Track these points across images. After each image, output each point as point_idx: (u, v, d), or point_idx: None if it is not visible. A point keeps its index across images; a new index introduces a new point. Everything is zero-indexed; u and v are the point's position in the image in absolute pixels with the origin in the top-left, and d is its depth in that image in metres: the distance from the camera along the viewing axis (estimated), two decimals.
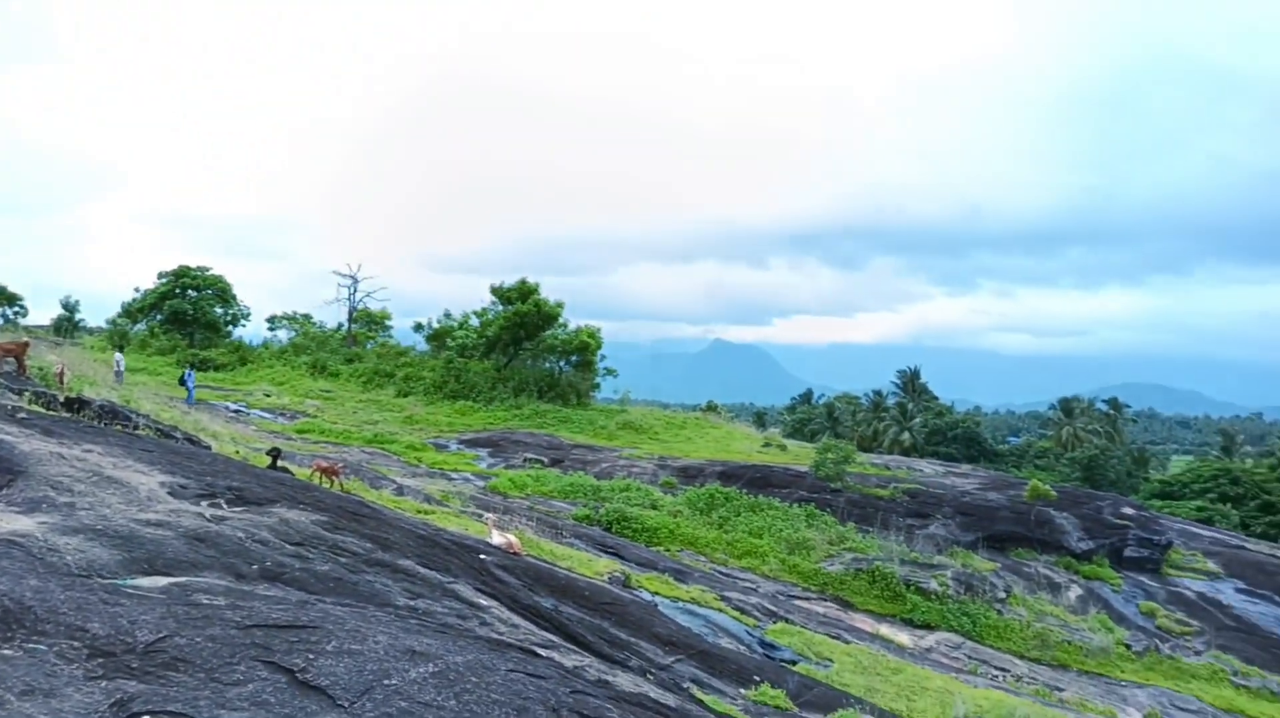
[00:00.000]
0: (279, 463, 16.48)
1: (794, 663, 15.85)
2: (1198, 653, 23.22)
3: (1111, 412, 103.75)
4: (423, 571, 10.03)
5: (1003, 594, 22.90)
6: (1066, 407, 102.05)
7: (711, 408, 70.38)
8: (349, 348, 55.56)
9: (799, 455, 38.57)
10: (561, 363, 50.34)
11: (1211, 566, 30.75)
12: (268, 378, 48.77)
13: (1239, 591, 28.96)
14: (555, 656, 8.23)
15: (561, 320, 49.95)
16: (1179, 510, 60.89)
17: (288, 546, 9.11)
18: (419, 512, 17.47)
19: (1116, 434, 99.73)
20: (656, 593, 17.83)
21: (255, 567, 8.02)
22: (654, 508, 27.11)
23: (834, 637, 18.86)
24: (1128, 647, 22.20)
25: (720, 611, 18.02)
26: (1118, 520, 30.22)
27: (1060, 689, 19.21)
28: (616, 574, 17.53)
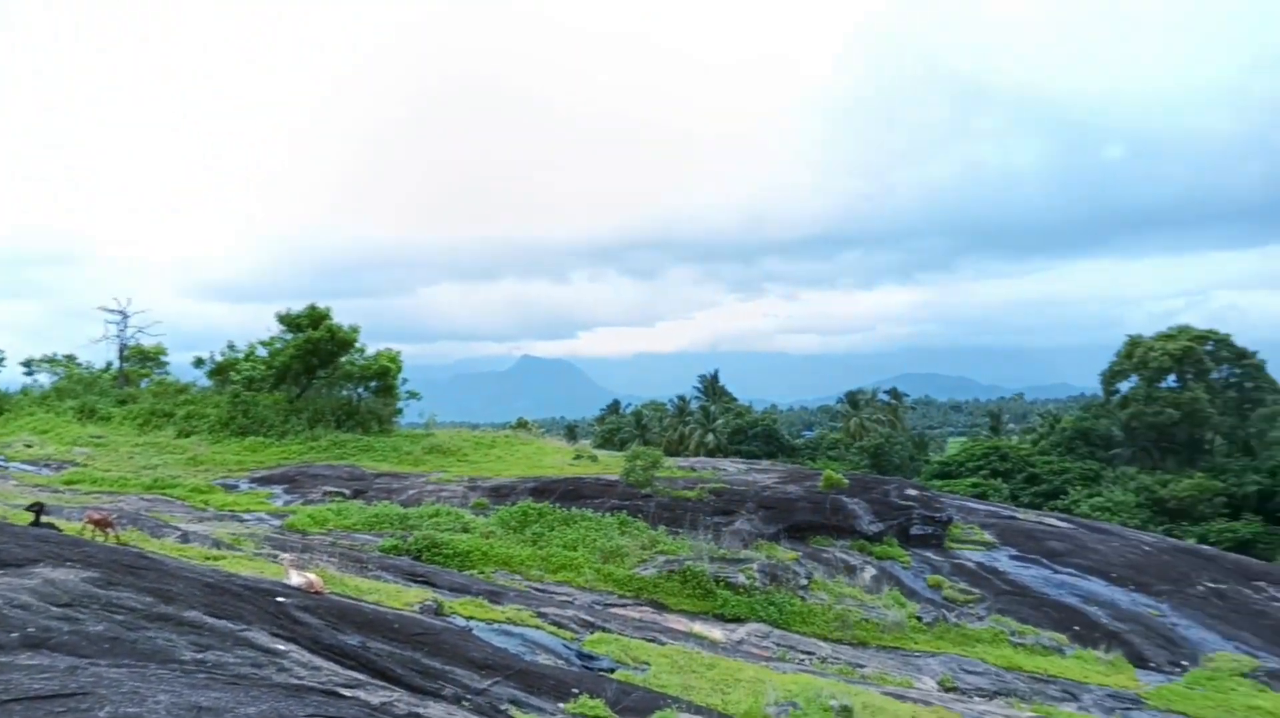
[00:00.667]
0: (42, 519, 15.00)
1: (612, 671, 15.98)
2: (980, 618, 25.21)
3: (893, 401, 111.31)
4: (211, 620, 9.41)
5: (805, 581, 24.03)
6: (853, 400, 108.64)
7: (522, 425, 69.94)
8: (121, 388, 51.32)
9: (609, 465, 38.98)
10: (360, 390, 48.60)
11: (988, 537, 33.50)
12: (28, 427, 44.31)
13: (1012, 558, 31.72)
14: (361, 694, 7.92)
15: (358, 345, 48.22)
16: (956, 488, 66.05)
17: (54, 608, 8.31)
18: (207, 558, 16.38)
19: (898, 422, 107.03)
20: (471, 617, 17.52)
21: (15, 634, 7.28)
22: (465, 531, 26.64)
23: (650, 640, 19.17)
24: (919, 619, 23.80)
25: (537, 628, 17.92)
26: (903, 502, 32.40)
27: (862, 666, 20.35)
28: (428, 603, 17.09)
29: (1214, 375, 76.13)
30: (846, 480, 33.85)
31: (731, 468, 39.48)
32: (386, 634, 12.31)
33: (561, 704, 12.79)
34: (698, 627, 21.59)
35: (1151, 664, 24.43)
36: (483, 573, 23.66)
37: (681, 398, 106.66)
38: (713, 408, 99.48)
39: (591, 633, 18.49)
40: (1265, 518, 63.05)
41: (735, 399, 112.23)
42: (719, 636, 21.16)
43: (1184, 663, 24.47)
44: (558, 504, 29.37)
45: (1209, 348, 75.59)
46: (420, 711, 8.20)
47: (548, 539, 26.56)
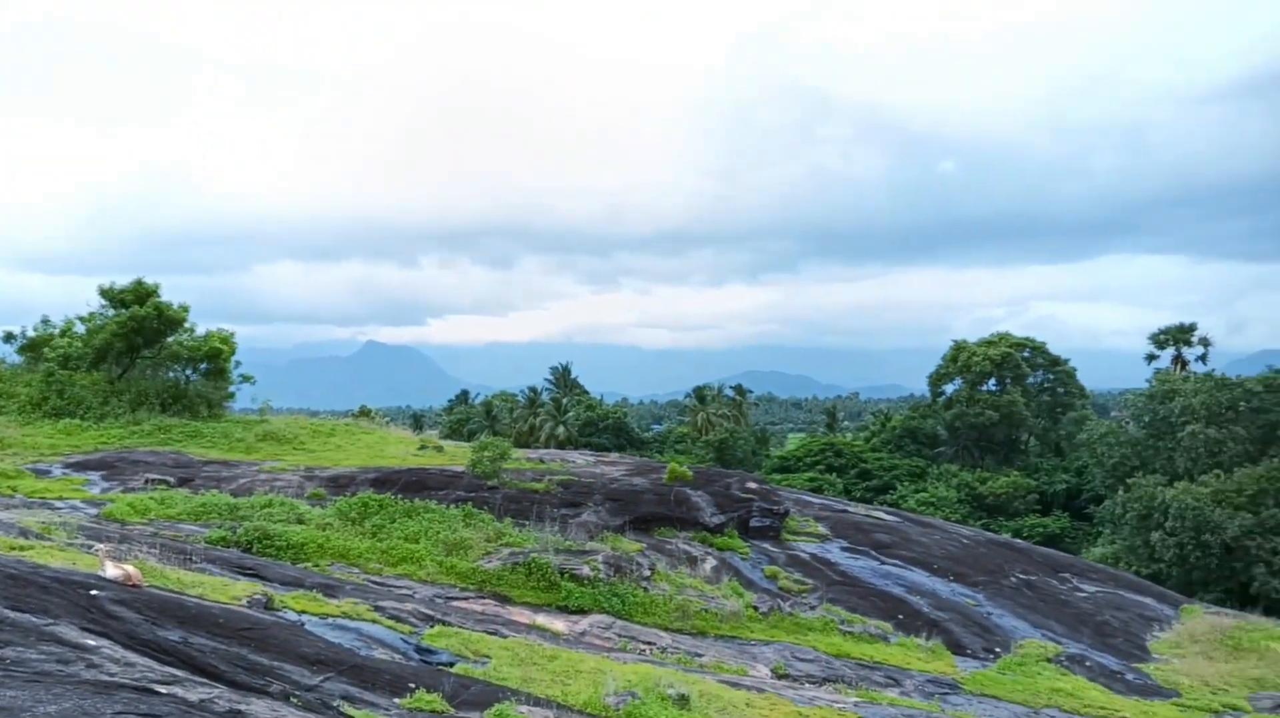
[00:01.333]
0: None
1: (451, 665, 15.74)
2: (812, 608, 26.18)
3: (738, 398, 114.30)
4: (13, 615, 8.71)
5: (648, 573, 24.35)
6: (700, 395, 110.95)
7: (364, 413, 67.89)
8: None
9: (456, 456, 38.36)
10: (189, 372, 46.02)
11: (821, 529, 34.83)
12: None
13: (843, 549, 33.10)
14: (179, 691, 7.49)
15: (188, 324, 45.65)
16: (794, 482, 68.47)
17: None
18: (12, 548, 15.14)
19: (742, 417, 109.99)
20: (304, 612, 16.88)
21: None
22: (300, 522, 25.63)
23: (492, 633, 18.98)
24: (756, 609, 24.52)
25: (374, 622, 17.44)
26: (744, 495, 33.28)
27: (700, 655, 20.80)
28: (257, 597, 16.35)
29: (1030, 380, 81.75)
30: (691, 473, 34.48)
31: (580, 460, 39.57)
32: (210, 629, 11.70)
33: (397, 700, 12.50)
34: (541, 619, 21.54)
35: (968, 651, 25.99)
36: (318, 566, 22.84)
37: (533, 389, 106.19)
38: (564, 400, 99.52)
39: (432, 627, 18.14)
40: (1072, 514, 68.26)
41: (587, 392, 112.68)
42: (562, 628, 21.17)
43: (997, 650, 26.16)
44: (400, 496, 28.68)
45: (1026, 354, 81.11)
46: (242, 708, 7.83)
47: (388, 531, 25.90)
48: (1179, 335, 76.99)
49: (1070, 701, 22.19)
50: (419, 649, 16.43)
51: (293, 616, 16.26)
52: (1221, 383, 60.25)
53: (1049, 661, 25.19)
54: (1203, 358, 76.33)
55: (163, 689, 7.41)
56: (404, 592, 21.68)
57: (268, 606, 16.03)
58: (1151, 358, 77.52)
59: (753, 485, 35.30)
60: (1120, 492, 56.35)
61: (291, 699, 10.22)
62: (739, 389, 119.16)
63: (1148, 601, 35.11)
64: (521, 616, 21.76)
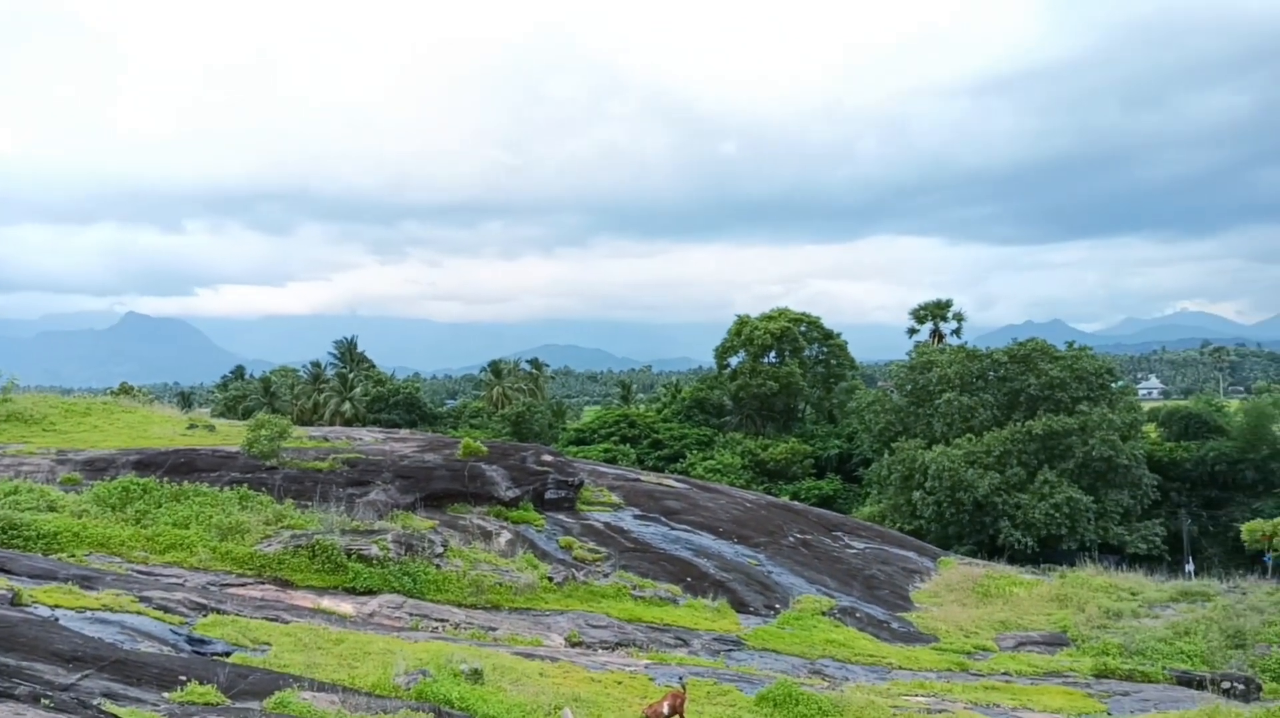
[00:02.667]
0: None
1: (227, 654, 14.91)
2: (606, 575, 26.69)
3: (534, 371, 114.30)
4: None
5: (440, 549, 23.97)
6: (495, 369, 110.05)
7: (125, 391, 62.77)
8: None
9: (231, 435, 36.17)
10: None
11: (615, 498, 35.49)
12: None
13: (635, 517, 33.90)
14: None
15: None
16: (589, 453, 69.38)
17: None
18: None
19: (539, 391, 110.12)
20: (57, 606, 15.48)
21: None
22: (52, 510, 23.41)
23: (273, 619, 18.11)
24: (551, 579, 24.70)
25: (139, 613, 16.24)
26: (539, 468, 33.37)
27: (494, 629, 20.73)
28: (2, 593, 14.84)
29: (806, 353, 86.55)
30: (485, 448, 34.17)
31: (368, 437, 38.32)
32: None
33: (166, 694, 11.70)
34: (326, 602, 20.76)
35: (751, 609, 27.34)
36: (74, 556, 20.97)
37: (316, 364, 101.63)
38: (351, 375, 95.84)
39: (205, 616, 17.11)
40: (844, 477, 73.04)
41: (375, 366, 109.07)
42: (349, 610, 20.50)
43: (777, 606, 27.67)
44: (167, 479, 26.75)
45: (803, 329, 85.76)
46: None
47: (154, 517, 24.11)
48: (936, 311, 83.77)
49: (843, 650, 23.82)
50: (191, 640, 15.45)
51: (45, 611, 14.87)
52: (972, 354, 66.11)
53: (824, 614, 26.91)
54: (956, 332, 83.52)
55: None
56: (173, 581, 20.27)
57: (14, 601, 14.59)
58: (912, 331, 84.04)
59: (548, 458, 35.44)
60: (885, 455, 60.91)
61: (43, 701, 9.34)
62: (535, 363, 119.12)
63: (910, 554, 38.20)
64: (305, 600, 20.88)
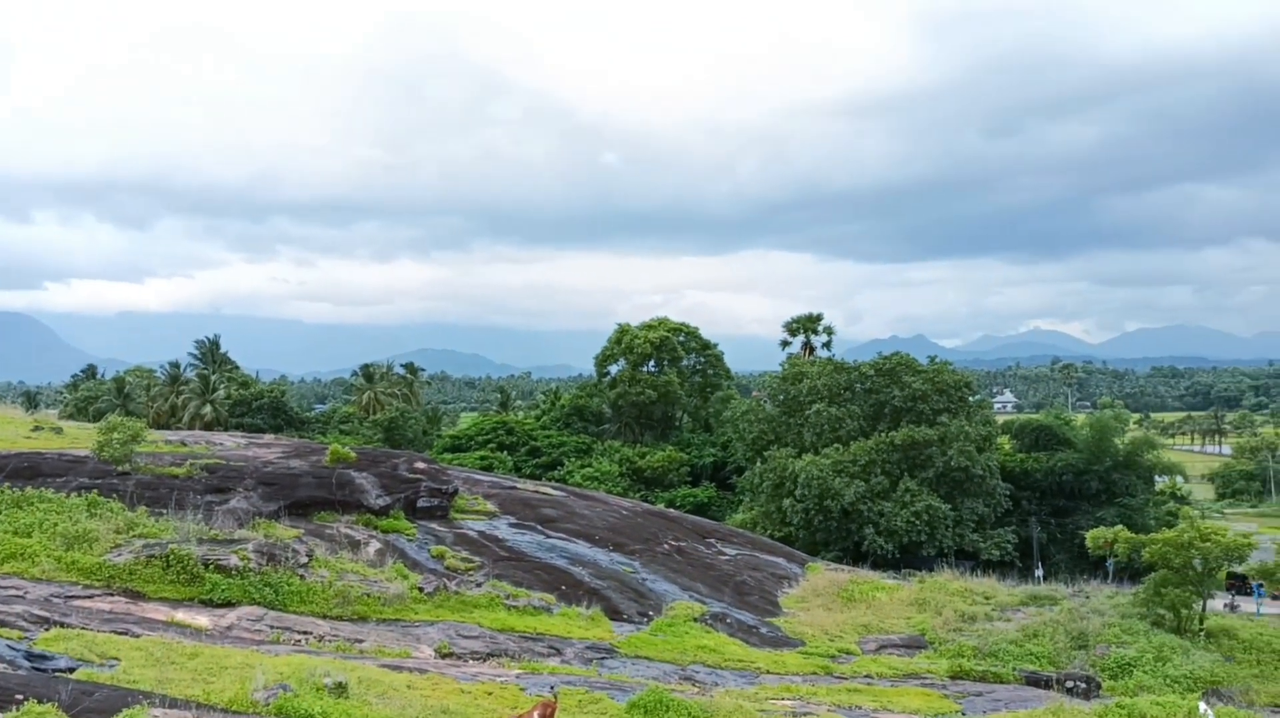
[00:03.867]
0: None
1: (71, 671, 14.04)
2: (479, 585, 26.32)
3: (409, 376, 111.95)
4: None
5: (305, 559, 23.18)
6: (367, 373, 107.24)
7: None
8: None
9: (80, 439, 34.13)
10: None
11: (490, 506, 35.09)
12: None
13: (511, 525, 33.59)
14: None
15: None
16: (465, 460, 68.38)
17: None
18: None
19: (413, 396, 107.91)
20: None
21: None
22: None
23: (123, 633, 17.17)
24: (421, 590, 24.21)
25: None
26: (412, 475, 32.69)
27: (361, 641, 20.17)
28: None
29: (684, 363, 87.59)
30: (355, 455, 33.27)
31: (230, 442, 36.77)
32: None
33: (1, 714, 10.94)
34: (181, 615, 19.79)
35: (625, 616, 27.45)
36: None
37: (175, 364, 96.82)
38: (213, 377, 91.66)
39: (47, 630, 16.08)
40: (718, 484, 74.20)
41: (239, 368, 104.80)
42: (206, 623, 19.59)
43: (651, 613, 27.87)
44: (7, 484, 25.05)
45: (682, 339, 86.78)
46: None
47: None
48: (808, 324, 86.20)
49: (714, 656, 24.18)
50: (30, 656, 14.48)
51: None
52: (841, 367, 68.27)
53: (696, 620, 27.27)
54: (827, 345, 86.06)
55: None
56: (12, 593, 18.96)
57: None
58: (785, 344, 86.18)
59: (421, 465, 34.75)
60: (758, 463, 62.21)
61: None
62: (410, 367, 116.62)
63: (779, 560, 39.11)
64: (158, 612, 19.85)
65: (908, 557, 53.14)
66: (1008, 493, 59.51)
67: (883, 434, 59.02)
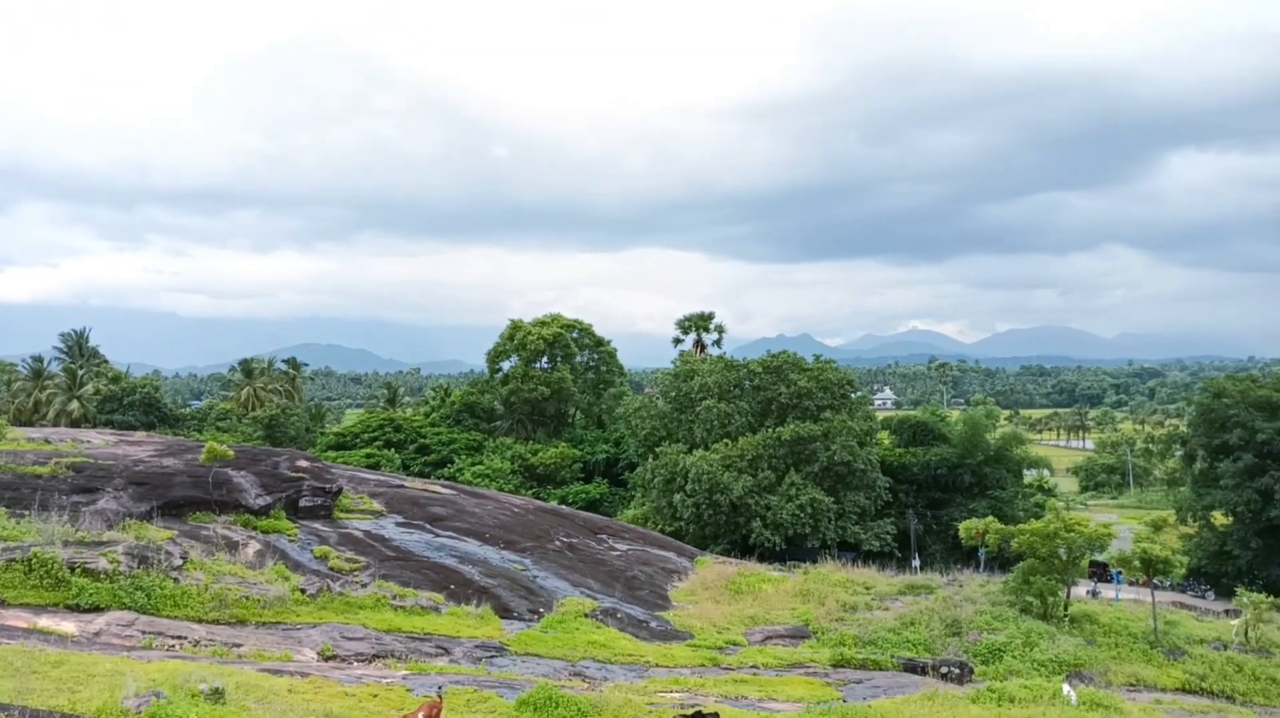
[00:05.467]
0: None
1: None
2: (364, 586, 25.75)
3: (291, 371, 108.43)
4: None
5: (179, 562, 22.25)
6: (247, 368, 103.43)
7: None
8: None
9: None
10: None
11: (377, 505, 34.38)
12: None
13: (398, 524, 32.98)
14: None
15: None
16: (351, 459, 66.74)
17: None
18: None
19: (296, 393, 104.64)
20: None
21: None
22: None
23: None
24: (303, 592, 23.53)
25: None
26: (294, 474, 31.75)
27: (239, 645, 19.49)
28: None
29: (578, 359, 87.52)
30: (233, 453, 32.09)
31: (99, 440, 34.97)
32: None
33: None
34: (44, 622, 18.75)
35: (515, 614, 27.29)
36: None
37: (38, 358, 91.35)
38: (80, 371, 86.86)
39: None
40: (611, 480, 74.41)
41: (108, 362, 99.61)
42: (72, 629, 18.61)
43: (542, 610, 27.79)
44: None
45: (575, 335, 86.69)
46: None
47: None
48: (700, 322, 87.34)
49: (604, 651, 24.28)
50: None
51: None
52: (730, 364, 69.32)
53: (586, 616, 27.32)
54: (718, 342, 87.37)
55: None
56: None
57: None
58: (677, 341, 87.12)
59: (304, 464, 33.78)
60: (650, 459, 62.65)
61: None
62: (292, 363, 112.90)
63: (669, 555, 39.52)
64: (19, 619, 18.74)
65: (793, 549, 54.39)
66: (887, 486, 61.52)
67: (770, 430, 60.22)
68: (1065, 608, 31.91)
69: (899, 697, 20.55)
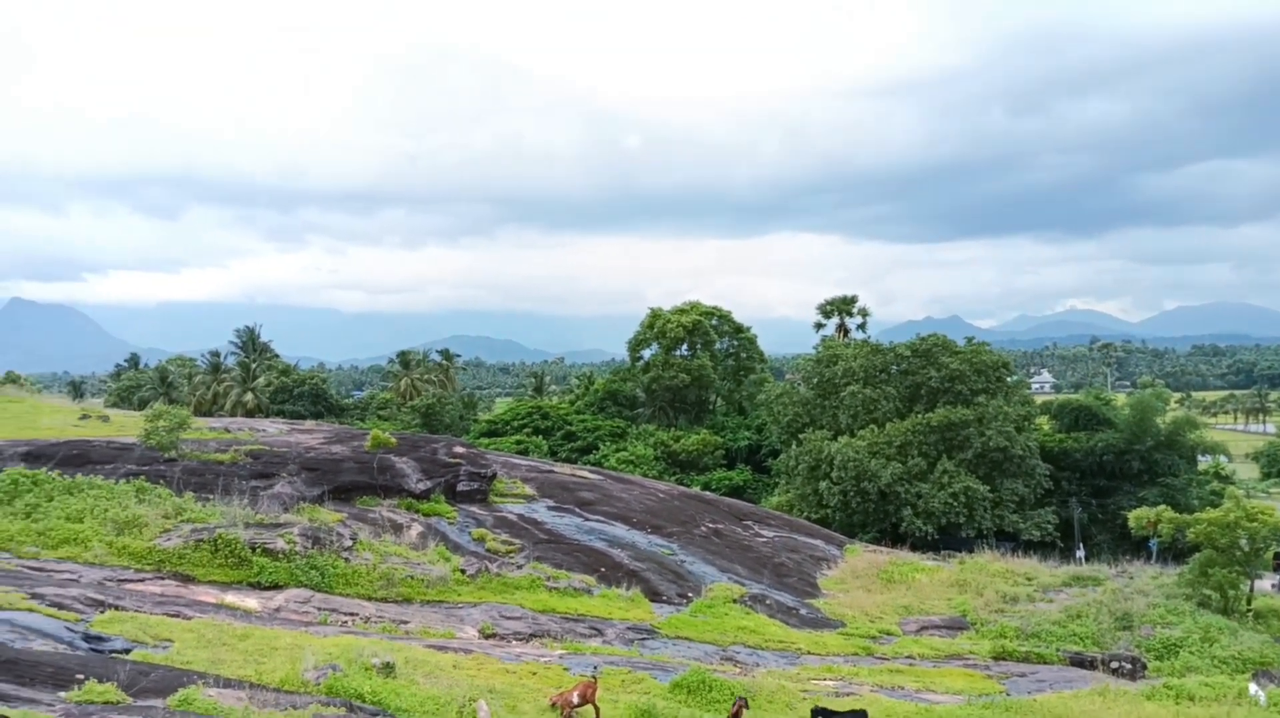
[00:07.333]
0: None
1: (127, 652, 14.37)
2: (520, 567, 26.53)
3: (444, 362, 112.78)
4: None
5: (349, 542, 23.49)
6: (404, 360, 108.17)
7: (12, 379, 59.92)
8: None
9: (126, 427, 34.75)
10: None
11: (528, 490, 35.31)
12: None
13: (550, 508, 33.78)
14: None
15: None
16: (502, 445, 68.81)
17: None
18: None
19: (450, 382, 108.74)
20: None
21: None
22: None
23: (174, 615, 17.53)
24: (463, 572, 24.45)
25: (31, 610, 15.53)
26: (451, 460, 32.96)
27: (406, 622, 20.43)
28: None
29: (717, 346, 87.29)
30: (395, 440, 33.58)
31: (272, 429, 37.27)
32: None
33: (62, 694, 11.23)
34: (230, 598, 20.16)
35: (664, 598, 27.54)
36: None
37: (215, 353, 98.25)
38: (253, 365, 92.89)
39: (102, 612, 16.44)
40: (753, 467, 74.05)
41: (278, 356, 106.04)
42: (255, 605, 19.94)
43: (690, 595, 27.93)
44: (58, 471, 25.60)
45: (714, 322, 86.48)
46: None
47: (45, 511, 23.07)
48: (842, 306, 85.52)
49: (754, 637, 24.21)
50: (88, 637, 14.83)
51: None
52: (876, 349, 67.63)
53: (735, 602, 27.29)
54: (861, 326, 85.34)
55: None
56: (67, 576, 19.41)
57: None
58: (819, 326, 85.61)
59: (460, 450, 35.02)
60: (793, 446, 61.92)
61: None
62: (445, 354, 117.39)
63: (817, 542, 39.01)
64: (208, 595, 20.23)
65: (946, 538, 52.76)
66: (1047, 473, 58.81)
67: (919, 415, 58.52)
68: (1248, 602, 29.75)
69: (1066, 691, 19.65)
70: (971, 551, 42.03)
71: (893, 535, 53.51)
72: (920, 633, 27.54)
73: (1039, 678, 22.27)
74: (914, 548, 46.24)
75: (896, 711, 17.29)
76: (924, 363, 62.66)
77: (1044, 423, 68.70)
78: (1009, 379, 64.45)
